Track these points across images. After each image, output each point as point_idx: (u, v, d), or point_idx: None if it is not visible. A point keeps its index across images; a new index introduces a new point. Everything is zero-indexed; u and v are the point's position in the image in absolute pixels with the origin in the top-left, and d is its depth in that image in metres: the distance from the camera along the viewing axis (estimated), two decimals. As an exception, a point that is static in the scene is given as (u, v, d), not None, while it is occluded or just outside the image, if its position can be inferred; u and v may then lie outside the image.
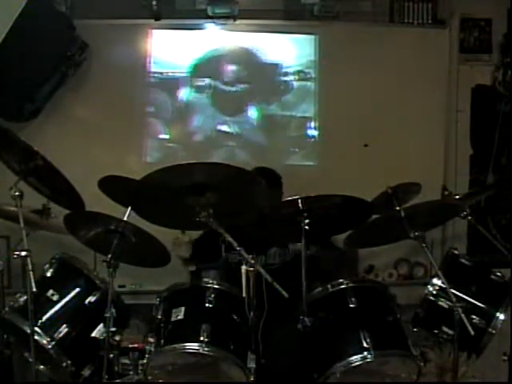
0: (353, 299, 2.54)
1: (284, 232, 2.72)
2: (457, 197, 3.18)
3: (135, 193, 2.54)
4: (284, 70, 3.88)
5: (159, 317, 2.52)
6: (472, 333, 2.34)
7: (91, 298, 2.61)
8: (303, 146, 3.93)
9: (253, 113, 3.87)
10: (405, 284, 3.89)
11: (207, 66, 3.84)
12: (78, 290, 2.63)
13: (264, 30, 3.88)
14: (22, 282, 2.96)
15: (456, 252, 2.91)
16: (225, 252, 3.12)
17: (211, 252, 3.14)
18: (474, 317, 2.62)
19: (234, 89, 3.85)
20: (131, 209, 2.61)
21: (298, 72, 3.88)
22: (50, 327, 2.51)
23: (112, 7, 3.68)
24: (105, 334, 2.44)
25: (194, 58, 3.82)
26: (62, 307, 2.58)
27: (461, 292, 2.67)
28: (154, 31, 3.79)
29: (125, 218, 2.57)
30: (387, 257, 3.89)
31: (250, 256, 2.37)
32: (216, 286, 2.57)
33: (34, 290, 2.27)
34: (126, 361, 2.57)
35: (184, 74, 3.82)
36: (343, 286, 2.60)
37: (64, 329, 2.52)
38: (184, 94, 3.83)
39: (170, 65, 3.81)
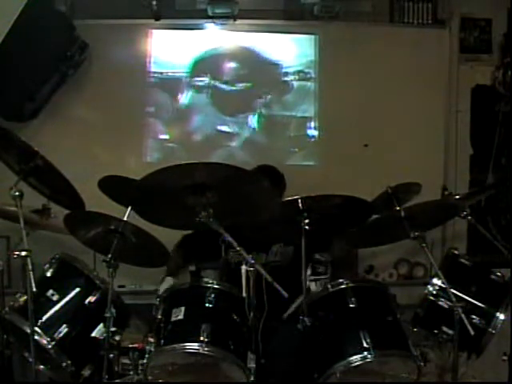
0: (353, 299, 2.53)
1: (284, 232, 2.72)
2: (457, 197, 3.18)
3: (135, 193, 2.53)
4: (284, 70, 3.88)
5: (159, 317, 2.52)
6: (472, 333, 2.34)
7: (91, 298, 2.61)
8: (303, 146, 3.93)
9: (253, 113, 3.87)
10: (405, 284, 3.88)
11: (207, 66, 3.84)
12: (77, 289, 2.63)
13: (264, 30, 3.88)
14: (22, 282, 2.96)
15: (456, 252, 2.91)
16: (225, 252, 3.11)
17: (205, 250, 3.14)
18: (474, 317, 2.63)
19: (233, 89, 3.85)
20: (131, 209, 2.61)
21: (298, 72, 3.88)
22: (50, 327, 2.50)
23: (112, 7, 3.68)
24: (105, 334, 2.44)
25: (194, 57, 3.82)
26: (62, 307, 2.58)
27: (461, 292, 2.67)
28: (153, 31, 3.79)
29: (125, 218, 2.56)
30: (387, 257, 3.89)
31: (250, 255, 2.37)
32: (216, 286, 2.56)
33: (34, 289, 2.27)
34: (126, 361, 2.56)
35: (184, 74, 3.82)
36: (343, 286, 2.60)
37: (64, 329, 2.52)
38: (184, 94, 3.83)
39: (169, 65, 3.81)
